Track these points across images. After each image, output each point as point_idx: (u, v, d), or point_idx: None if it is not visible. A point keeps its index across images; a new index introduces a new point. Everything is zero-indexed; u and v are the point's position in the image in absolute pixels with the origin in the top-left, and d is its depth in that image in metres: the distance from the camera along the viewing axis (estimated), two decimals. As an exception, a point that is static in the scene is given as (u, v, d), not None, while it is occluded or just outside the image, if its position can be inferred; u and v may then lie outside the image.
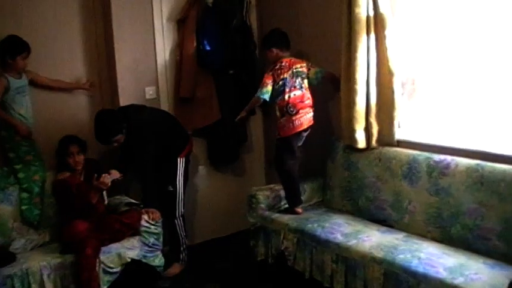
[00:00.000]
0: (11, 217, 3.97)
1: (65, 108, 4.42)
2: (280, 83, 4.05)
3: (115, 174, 4.01)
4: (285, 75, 4.05)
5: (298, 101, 4.03)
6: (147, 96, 4.60)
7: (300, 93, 4.05)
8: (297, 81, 4.06)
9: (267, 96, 4.11)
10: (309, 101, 4.10)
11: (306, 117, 4.06)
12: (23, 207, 3.98)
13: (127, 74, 4.49)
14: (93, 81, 4.50)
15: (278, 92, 4.08)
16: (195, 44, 4.66)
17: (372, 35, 3.87)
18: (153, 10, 4.58)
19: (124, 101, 4.43)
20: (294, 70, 4.08)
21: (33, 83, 4.14)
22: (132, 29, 4.48)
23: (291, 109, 4.01)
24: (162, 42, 4.66)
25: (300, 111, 4.02)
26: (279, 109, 4.09)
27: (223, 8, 4.72)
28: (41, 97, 4.25)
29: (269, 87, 4.09)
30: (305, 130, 4.09)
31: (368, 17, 3.84)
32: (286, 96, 4.02)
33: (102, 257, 3.75)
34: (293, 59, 4.16)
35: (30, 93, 4.08)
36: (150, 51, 4.61)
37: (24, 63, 3.98)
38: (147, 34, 4.57)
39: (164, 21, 4.66)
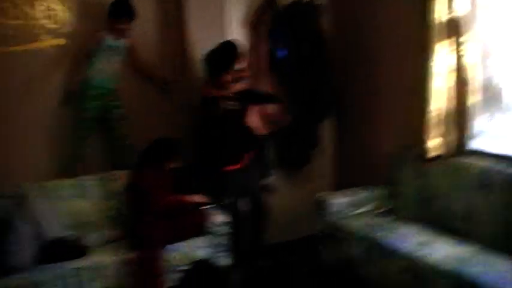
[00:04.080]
0: (87, 212, 4.15)
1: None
2: None
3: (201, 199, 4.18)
4: None
5: None
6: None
7: None
8: None
9: None
10: None
11: None
12: None
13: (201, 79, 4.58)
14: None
15: None
16: (267, 48, 4.70)
17: (449, 41, 3.78)
18: (224, 16, 4.64)
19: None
20: None
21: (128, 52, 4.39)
22: (204, 34, 4.54)
23: None
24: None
25: None
26: None
27: (295, 12, 4.73)
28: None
29: None
30: None
31: (444, 22, 3.76)
32: None
33: (169, 255, 3.84)
34: None
35: (123, 59, 4.36)
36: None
37: (124, 28, 4.25)
38: (219, 40, 4.62)
39: (235, 26, 4.71)
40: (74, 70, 4.25)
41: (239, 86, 4.23)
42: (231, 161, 4.25)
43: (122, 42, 4.31)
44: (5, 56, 4.08)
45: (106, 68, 4.28)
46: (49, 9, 4.18)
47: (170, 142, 4.17)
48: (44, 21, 4.18)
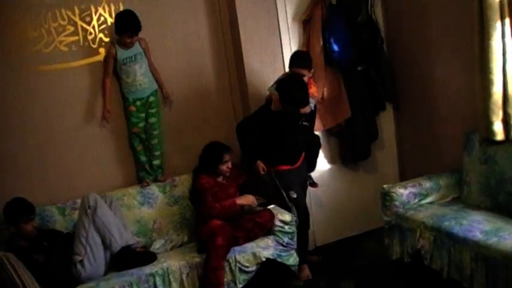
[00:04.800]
0: (152, 218, 4.25)
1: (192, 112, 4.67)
2: None
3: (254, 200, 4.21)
4: None
5: None
6: (277, 98, 4.65)
7: None
8: None
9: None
10: None
11: None
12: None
13: (256, 77, 4.57)
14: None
15: None
16: (321, 42, 4.66)
17: (507, 20, 3.65)
18: (277, 11, 4.63)
19: (254, 105, 4.52)
20: None
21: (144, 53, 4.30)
22: (258, 31, 4.57)
23: None
24: (289, 43, 4.71)
25: None
26: None
27: (348, 4, 4.69)
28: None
29: None
30: None
31: (501, 1, 3.63)
32: None
33: (237, 256, 3.86)
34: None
35: (145, 60, 4.26)
36: (277, 53, 4.67)
37: (131, 40, 4.15)
38: (273, 36, 4.64)
39: (289, 22, 4.71)
40: (101, 93, 4.28)
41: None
42: (289, 162, 4.28)
43: (136, 49, 4.21)
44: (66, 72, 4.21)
45: (135, 80, 4.22)
46: (104, 22, 4.28)
47: (218, 146, 4.23)
48: (100, 35, 4.27)
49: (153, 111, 4.33)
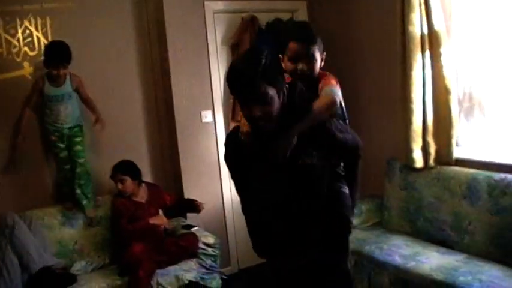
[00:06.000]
0: (72, 239, 4.11)
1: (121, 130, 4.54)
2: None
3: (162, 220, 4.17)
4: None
5: None
6: (204, 120, 4.66)
7: None
8: None
9: None
10: None
11: None
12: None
13: (183, 98, 4.55)
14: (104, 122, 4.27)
15: None
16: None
17: (427, 53, 3.82)
18: (207, 35, 4.65)
19: (180, 125, 4.51)
20: None
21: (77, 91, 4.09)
22: (187, 53, 4.57)
23: None
24: (217, 66, 4.73)
25: None
26: None
27: (277, 29, 4.74)
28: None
29: None
30: None
31: (422, 35, 3.80)
32: None
33: (160, 279, 3.79)
34: None
35: (73, 100, 4.05)
36: (205, 75, 4.68)
37: (57, 72, 3.92)
38: (202, 58, 4.64)
39: (218, 45, 4.74)
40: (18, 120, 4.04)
41: None
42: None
43: (66, 88, 4.01)
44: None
45: (58, 118, 4.02)
46: (29, 36, 4.14)
47: (116, 165, 4.14)
48: (25, 49, 4.14)
49: (77, 139, 4.13)
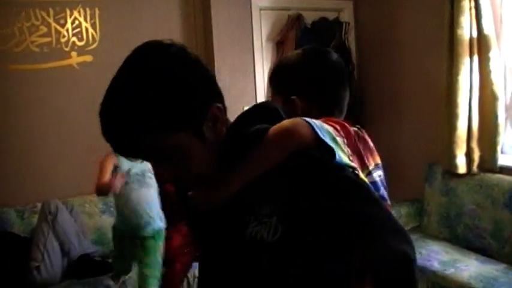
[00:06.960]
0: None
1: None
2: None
3: None
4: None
5: None
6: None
7: None
8: None
9: None
10: None
11: None
12: None
13: (225, 92, 4.54)
14: None
15: None
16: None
17: (475, 57, 3.76)
18: (253, 31, 4.67)
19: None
20: None
21: None
22: (232, 49, 4.58)
23: None
24: (262, 62, 4.74)
25: None
26: None
27: (322, 29, 4.74)
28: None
29: None
30: None
31: (471, 39, 3.74)
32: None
33: (195, 272, 3.80)
34: None
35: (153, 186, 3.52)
36: (249, 71, 4.69)
37: None
38: (247, 54, 4.66)
39: (263, 42, 4.75)
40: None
41: None
42: None
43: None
44: (36, 73, 4.11)
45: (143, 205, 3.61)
46: (78, 26, 4.22)
47: None
48: (74, 39, 4.22)
49: None
